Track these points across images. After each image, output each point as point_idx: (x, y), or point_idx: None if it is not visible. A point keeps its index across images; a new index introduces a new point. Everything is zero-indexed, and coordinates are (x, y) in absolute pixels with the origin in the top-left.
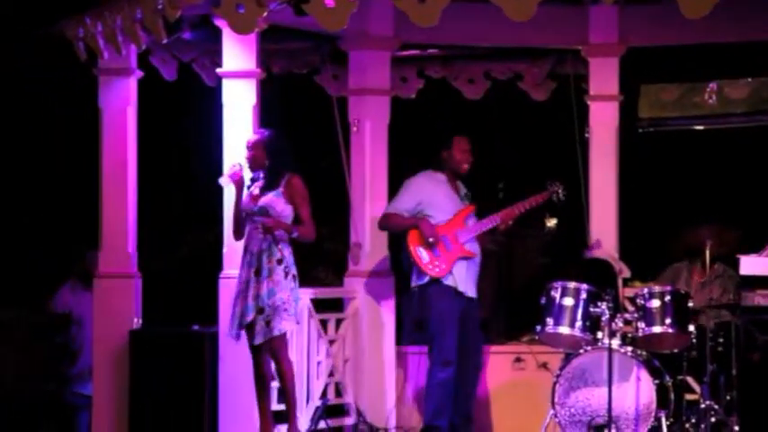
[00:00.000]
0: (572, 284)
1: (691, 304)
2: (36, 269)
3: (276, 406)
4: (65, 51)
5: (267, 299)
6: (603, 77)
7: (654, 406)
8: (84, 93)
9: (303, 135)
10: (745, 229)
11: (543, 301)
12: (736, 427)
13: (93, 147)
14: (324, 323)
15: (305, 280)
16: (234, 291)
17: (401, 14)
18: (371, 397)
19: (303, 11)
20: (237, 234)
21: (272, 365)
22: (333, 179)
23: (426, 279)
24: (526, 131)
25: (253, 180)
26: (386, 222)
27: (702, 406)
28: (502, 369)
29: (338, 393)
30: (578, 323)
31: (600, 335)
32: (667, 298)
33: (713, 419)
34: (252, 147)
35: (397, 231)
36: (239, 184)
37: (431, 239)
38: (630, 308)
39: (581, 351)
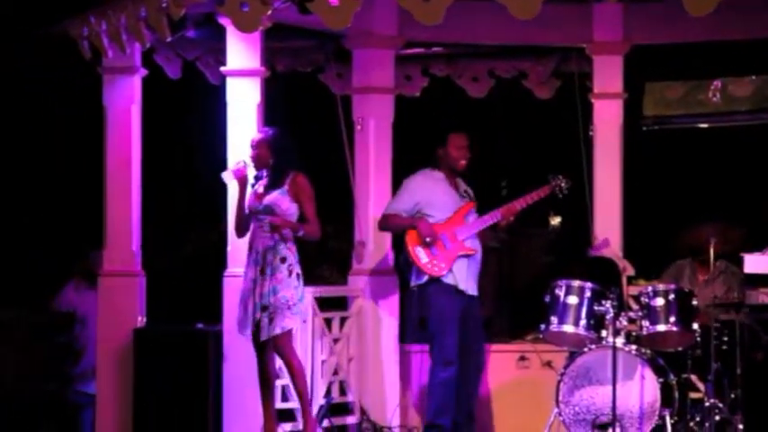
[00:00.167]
0: (576, 283)
1: (695, 302)
2: (36, 269)
3: (280, 404)
4: (66, 51)
5: (270, 297)
6: (608, 75)
7: (658, 404)
8: (86, 92)
9: (307, 133)
10: (749, 226)
11: (547, 299)
12: (741, 426)
13: (95, 146)
14: (328, 321)
15: (309, 278)
16: (241, 290)
17: (405, 13)
18: (375, 395)
19: (307, 9)
20: (239, 231)
21: (277, 364)
22: (337, 177)
23: (425, 278)
24: (530, 129)
25: (257, 178)
26: (385, 223)
27: (707, 404)
28: (506, 368)
29: (342, 392)
30: (582, 321)
31: (604, 333)
32: (672, 296)
33: (717, 418)
34: (256, 145)
35: (396, 232)
36: (243, 181)
37: (428, 239)
38: (635, 306)
39: (585, 349)
